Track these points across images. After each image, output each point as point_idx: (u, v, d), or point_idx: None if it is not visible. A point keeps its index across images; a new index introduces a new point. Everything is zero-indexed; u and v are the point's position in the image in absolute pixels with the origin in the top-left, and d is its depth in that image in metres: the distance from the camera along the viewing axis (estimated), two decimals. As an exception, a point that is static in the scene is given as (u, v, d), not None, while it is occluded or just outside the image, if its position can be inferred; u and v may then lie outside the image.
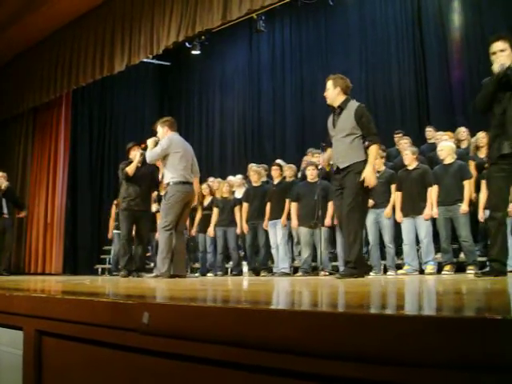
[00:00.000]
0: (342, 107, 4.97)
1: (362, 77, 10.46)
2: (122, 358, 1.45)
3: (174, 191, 5.85)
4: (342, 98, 5.01)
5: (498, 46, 4.02)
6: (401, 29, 10.03)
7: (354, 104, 4.98)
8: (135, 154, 7.12)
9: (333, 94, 5.03)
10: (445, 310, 1.19)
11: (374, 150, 4.84)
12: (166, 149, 5.89)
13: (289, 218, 7.92)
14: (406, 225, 6.86)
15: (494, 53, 4.04)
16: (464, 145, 7.43)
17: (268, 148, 11.79)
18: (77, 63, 10.12)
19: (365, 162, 4.78)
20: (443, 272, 6.47)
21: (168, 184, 5.91)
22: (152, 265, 10.14)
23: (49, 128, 11.86)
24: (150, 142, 6.09)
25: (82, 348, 1.62)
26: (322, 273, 7.30)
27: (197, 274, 9.03)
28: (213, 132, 13.10)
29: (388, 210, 7.00)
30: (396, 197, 6.99)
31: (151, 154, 5.99)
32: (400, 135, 8.44)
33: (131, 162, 7.13)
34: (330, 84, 5.06)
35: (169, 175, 5.92)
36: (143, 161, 6.84)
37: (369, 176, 4.71)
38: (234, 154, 12.53)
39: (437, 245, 6.88)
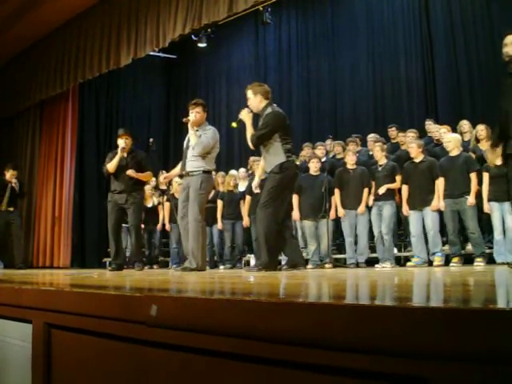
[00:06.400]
0: (260, 115, 5.03)
1: (369, 68, 10.42)
2: (130, 350, 1.45)
3: (207, 180, 5.57)
4: (264, 103, 5.03)
5: (510, 38, 4.22)
6: (408, 19, 9.94)
7: (268, 110, 4.99)
8: (120, 144, 6.56)
9: (255, 102, 5.04)
10: (452, 301, 1.19)
11: (248, 135, 4.98)
12: (214, 144, 5.64)
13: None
14: (414, 217, 6.84)
15: (506, 45, 4.23)
16: (467, 137, 7.39)
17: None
18: (83, 57, 10.11)
19: (282, 163, 4.82)
20: (451, 264, 6.45)
21: (200, 172, 5.49)
22: (160, 258, 10.21)
23: (56, 122, 11.88)
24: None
25: (91, 340, 1.62)
26: (327, 265, 7.33)
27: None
28: (219, 124, 13.05)
29: (404, 205, 6.98)
30: (403, 190, 6.97)
31: (206, 147, 5.56)
32: (394, 129, 8.41)
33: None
34: (250, 93, 5.08)
35: (202, 163, 5.54)
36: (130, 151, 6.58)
37: (243, 114, 5.04)
38: (241, 146, 12.49)
39: (444, 237, 6.86)
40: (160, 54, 12.65)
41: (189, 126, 5.60)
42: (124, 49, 9.20)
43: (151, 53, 10.05)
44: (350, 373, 0.92)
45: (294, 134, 11.42)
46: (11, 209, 9.46)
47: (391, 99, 10.07)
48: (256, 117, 5.14)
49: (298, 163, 5.05)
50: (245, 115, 5.07)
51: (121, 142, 6.55)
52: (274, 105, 5.11)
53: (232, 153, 12.55)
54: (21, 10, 9.66)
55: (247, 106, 5.14)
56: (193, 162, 5.55)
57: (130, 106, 12.99)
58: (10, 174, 9.49)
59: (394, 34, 10.13)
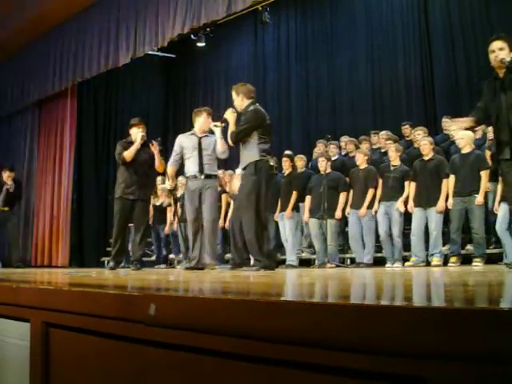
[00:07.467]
0: (242, 114, 5.14)
1: (367, 68, 10.41)
2: (128, 349, 1.45)
3: (217, 184, 6.09)
4: (246, 103, 5.15)
5: (497, 44, 4.18)
6: (406, 18, 9.94)
7: (250, 108, 5.08)
8: (136, 133, 6.30)
9: (238, 102, 5.20)
10: (453, 301, 1.18)
11: (229, 132, 5.18)
12: None
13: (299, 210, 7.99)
14: (417, 215, 6.77)
15: (493, 51, 4.20)
16: (478, 135, 7.33)
17: (273, 140, 11.72)
18: (82, 56, 10.10)
19: (256, 162, 4.92)
20: (449, 264, 6.42)
21: (214, 176, 6.02)
22: (154, 257, 10.16)
23: (54, 121, 11.87)
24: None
25: (89, 340, 1.62)
26: (329, 265, 7.30)
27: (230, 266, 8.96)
28: (218, 124, 13.06)
29: (399, 202, 6.93)
30: (410, 187, 6.92)
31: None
32: (407, 126, 8.39)
33: (130, 142, 6.30)
34: (233, 94, 5.26)
35: (216, 167, 6.05)
36: (143, 143, 6.29)
37: (227, 113, 5.19)
38: (239, 146, 12.47)
39: (445, 235, 6.82)
40: (159, 54, 12.62)
41: (217, 127, 5.80)
42: (123, 48, 9.20)
43: (150, 52, 10.04)
44: (350, 373, 0.92)
45: (293, 134, 11.57)
46: (6, 209, 9.56)
47: (390, 99, 10.07)
48: (240, 117, 5.25)
49: (271, 164, 5.09)
50: (229, 114, 5.24)
51: (139, 131, 6.28)
52: (257, 104, 5.20)
53: (232, 152, 12.52)
54: (20, 9, 9.64)
55: (233, 106, 5.31)
56: (210, 165, 5.94)
57: (128, 105, 12.94)
58: (6, 176, 9.59)
59: (393, 34, 10.12)
